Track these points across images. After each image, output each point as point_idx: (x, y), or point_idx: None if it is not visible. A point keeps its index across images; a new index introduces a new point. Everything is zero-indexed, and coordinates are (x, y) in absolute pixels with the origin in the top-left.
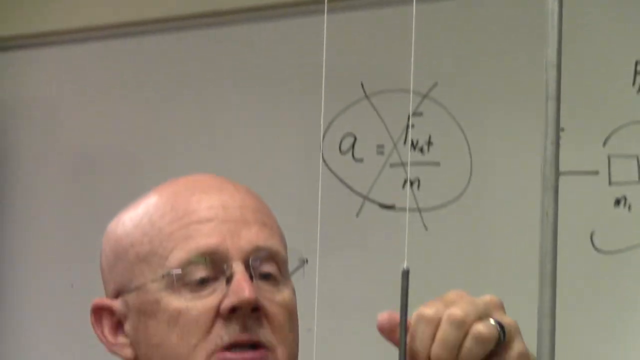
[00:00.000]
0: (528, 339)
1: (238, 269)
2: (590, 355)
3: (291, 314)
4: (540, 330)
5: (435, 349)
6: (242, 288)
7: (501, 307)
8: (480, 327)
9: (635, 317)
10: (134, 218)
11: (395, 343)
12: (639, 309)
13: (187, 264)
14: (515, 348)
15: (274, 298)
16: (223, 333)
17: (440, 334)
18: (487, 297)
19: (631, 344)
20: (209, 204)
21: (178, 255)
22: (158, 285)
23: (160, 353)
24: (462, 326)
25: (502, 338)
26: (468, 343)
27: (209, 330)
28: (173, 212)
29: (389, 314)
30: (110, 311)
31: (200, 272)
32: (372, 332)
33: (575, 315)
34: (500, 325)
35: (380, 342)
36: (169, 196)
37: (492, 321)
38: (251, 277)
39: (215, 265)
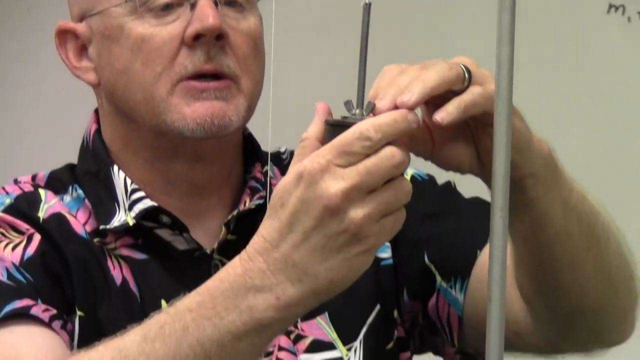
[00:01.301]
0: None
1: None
2: None
3: (256, 42)
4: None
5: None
6: (206, 14)
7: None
8: (444, 65)
9: None
10: None
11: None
12: None
13: None
14: (488, 87)
15: (238, 26)
16: (187, 62)
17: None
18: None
19: None
20: None
21: None
22: (121, 10)
23: (125, 80)
24: (426, 67)
25: (467, 78)
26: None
27: (173, 58)
28: None
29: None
30: (74, 34)
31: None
32: (332, 61)
33: None
34: (467, 68)
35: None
36: None
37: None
38: (216, 4)
39: None
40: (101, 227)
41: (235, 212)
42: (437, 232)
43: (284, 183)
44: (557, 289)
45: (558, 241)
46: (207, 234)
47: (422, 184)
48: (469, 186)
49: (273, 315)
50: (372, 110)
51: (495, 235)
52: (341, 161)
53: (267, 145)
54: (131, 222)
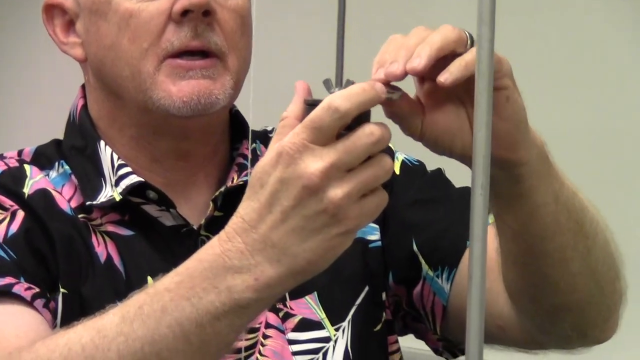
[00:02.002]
0: None
1: None
2: None
3: (244, 19)
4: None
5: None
6: None
7: None
8: (447, 27)
9: None
10: None
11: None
12: None
13: None
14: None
15: (226, 2)
16: (174, 38)
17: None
18: None
19: None
20: None
21: None
22: None
23: (112, 55)
24: (429, 30)
25: (469, 42)
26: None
27: (160, 34)
28: None
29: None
30: (61, 9)
31: None
32: (315, 39)
33: None
34: (471, 36)
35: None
36: None
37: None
38: None
39: None
40: (87, 202)
41: (222, 189)
42: (427, 219)
43: (262, 163)
44: (544, 284)
45: (548, 236)
46: (194, 210)
47: (414, 169)
48: (458, 175)
49: (251, 295)
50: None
51: (475, 213)
52: (315, 137)
53: (250, 122)
54: (117, 197)
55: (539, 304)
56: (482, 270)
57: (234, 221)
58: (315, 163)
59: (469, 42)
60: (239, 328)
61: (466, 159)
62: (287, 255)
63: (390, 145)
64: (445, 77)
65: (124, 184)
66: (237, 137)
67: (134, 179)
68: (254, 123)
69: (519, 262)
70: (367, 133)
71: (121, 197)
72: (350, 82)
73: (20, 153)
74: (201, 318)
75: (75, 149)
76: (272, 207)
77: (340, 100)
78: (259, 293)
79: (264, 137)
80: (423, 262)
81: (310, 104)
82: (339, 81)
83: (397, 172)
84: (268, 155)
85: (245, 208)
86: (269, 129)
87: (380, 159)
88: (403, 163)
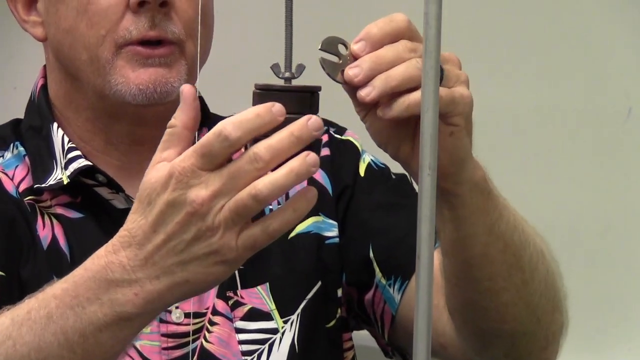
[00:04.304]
0: None
1: None
2: None
3: (204, 6)
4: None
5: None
6: None
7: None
8: (418, 62)
9: None
10: None
11: None
12: None
13: None
14: (454, 90)
15: None
16: (132, 27)
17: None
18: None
19: None
20: None
21: None
22: None
23: (70, 39)
24: (404, 58)
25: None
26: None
27: (117, 22)
28: None
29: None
30: None
31: None
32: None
33: None
34: (442, 68)
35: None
36: None
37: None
38: None
39: None
40: (35, 185)
41: None
42: (387, 224)
43: (153, 180)
44: (473, 308)
45: (477, 265)
46: None
47: (378, 172)
48: None
49: (132, 310)
50: (302, 72)
51: (424, 194)
52: (204, 164)
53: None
54: (65, 180)
55: (471, 326)
56: (430, 251)
57: (122, 234)
58: (201, 190)
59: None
60: (124, 340)
61: (406, 166)
62: (167, 275)
63: (357, 145)
64: (385, 112)
65: (72, 167)
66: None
67: (82, 162)
68: None
69: (451, 281)
70: (252, 159)
71: (69, 180)
72: (302, 67)
73: None
74: (84, 328)
75: (32, 129)
76: (158, 227)
77: (231, 127)
78: (139, 308)
79: None
80: (377, 269)
81: (261, 89)
82: (288, 65)
83: (362, 174)
84: (159, 173)
85: (133, 222)
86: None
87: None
88: (369, 165)
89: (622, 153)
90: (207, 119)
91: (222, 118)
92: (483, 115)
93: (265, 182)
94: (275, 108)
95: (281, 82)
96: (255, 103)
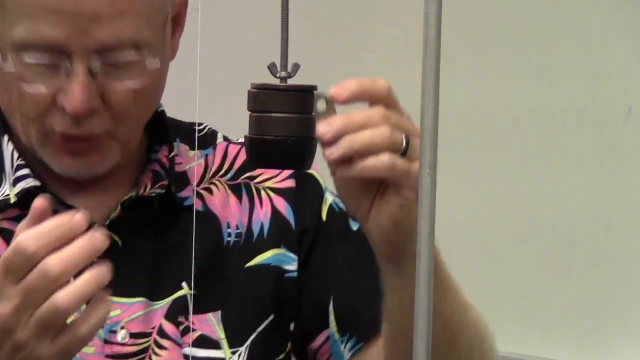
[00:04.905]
0: None
1: (78, 69)
2: None
3: (145, 97)
4: None
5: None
6: (75, 98)
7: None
8: (385, 131)
9: None
10: None
11: None
12: None
13: (29, 47)
14: (413, 168)
15: (123, 86)
16: (56, 124)
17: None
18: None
19: None
20: None
21: (20, 33)
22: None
23: (4, 96)
24: (373, 124)
25: (404, 148)
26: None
27: (43, 113)
28: None
29: None
30: None
31: (40, 59)
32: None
33: None
34: (407, 141)
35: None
36: None
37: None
38: (94, 74)
39: (56, 57)
40: None
41: (133, 194)
42: (350, 281)
43: None
44: None
45: (405, 333)
46: (100, 207)
47: (339, 216)
48: None
49: None
50: (297, 71)
51: (423, 194)
52: (8, 278)
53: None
54: (13, 199)
55: None
56: (430, 251)
57: None
58: (6, 305)
59: (404, 145)
60: None
61: (362, 223)
62: None
63: (320, 180)
64: (341, 172)
65: (20, 186)
66: (157, 138)
67: (30, 182)
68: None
69: (387, 345)
70: (41, 274)
71: (16, 199)
72: (297, 66)
73: None
74: None
75: None
76: None
77: (29, 241)
78: None
79: (187, 134)
80: (333, 322)
81: (256, 88)
82: (284, 65)
83: (324, 217)
84: None
85: None
86: (201, 126)
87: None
88: (330, 208)
89: (622, 153)
90: (166, 138)
91: (185, 128)
92: (483, 115)
93: (64, 294)
94: (76, 218)
95: (277, 82)
96: (250, 102)
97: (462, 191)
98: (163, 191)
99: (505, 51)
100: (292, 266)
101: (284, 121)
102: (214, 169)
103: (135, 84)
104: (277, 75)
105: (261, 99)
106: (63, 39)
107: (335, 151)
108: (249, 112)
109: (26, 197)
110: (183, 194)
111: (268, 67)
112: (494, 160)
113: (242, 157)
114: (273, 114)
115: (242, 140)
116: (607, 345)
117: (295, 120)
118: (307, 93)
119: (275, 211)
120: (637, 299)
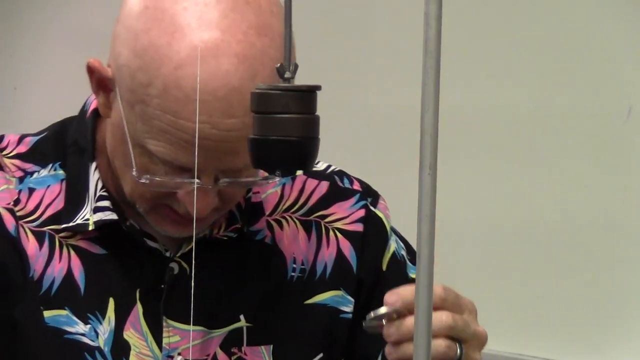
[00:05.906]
0: None
1: (207, 184)
2: None
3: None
4: None
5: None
6: (199, 206)
7: (475, 314)
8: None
9: None
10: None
11: None
12: None
13: (160, 159)
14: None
15: (242, 192)
16: (174, 204)
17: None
18: (469, 304)
19: None
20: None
21: (158, 148)
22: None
23: (117, 162)
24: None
25: (458, 355)
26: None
27: (163, 196)
28: (175, 91)
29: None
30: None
31: (169, 169)
32: None
33: None
34: (460, 347)
35: None
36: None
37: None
38: (218, 184)
39: (185, 170)
40: (63, 225)
41: (207, 232)
42: None
43: None
44: None
45: None
46: (172, 239)
47: (399, 265)
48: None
49: None
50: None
51: (423, 194)
52: None
53: None
54: (91, 226)
55: None
56: (430, 251)
57: None
58: None
59: (458, 352)
60: None
61: None
62: None
63: (387, 226)
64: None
65: (98, 216)
66: None
67: (108, 215)
68: None
69: None
70: None
71: (94, 227)
72: (295, 66)
73: (20, 140)
74: None
75: (76, 145)
76: None
77: None
78: None
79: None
80: None
81: (260, 89)
82: (287, 65)
83: (384, 267)
84: None
85: None
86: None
87: None
88: (392, 257)
89: (622, 153)
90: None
91: None
92: (483, 115)
93: None
94: None
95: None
96: (253, 103)
97: (462, 191)
98: (235, 235)
99: (505, 51)
100: (348, 308)
101: (288, 122)
102: (288, 203)
103: (245, 189)
104: (285, 75)
105: (264, 100)
106: (198, 165)
107: (394, 354)
108: (253, 113)
109: (103, 227)
110: (255, 226)
111: (277, 68)
112: (494, 160)
113: (318, 193)
114: (277, 115)
115: (319, 167)
116: (607, 345)
117: (300, 121)
118: (311, 93)
119: (340, 253)
120: (637, 299)
